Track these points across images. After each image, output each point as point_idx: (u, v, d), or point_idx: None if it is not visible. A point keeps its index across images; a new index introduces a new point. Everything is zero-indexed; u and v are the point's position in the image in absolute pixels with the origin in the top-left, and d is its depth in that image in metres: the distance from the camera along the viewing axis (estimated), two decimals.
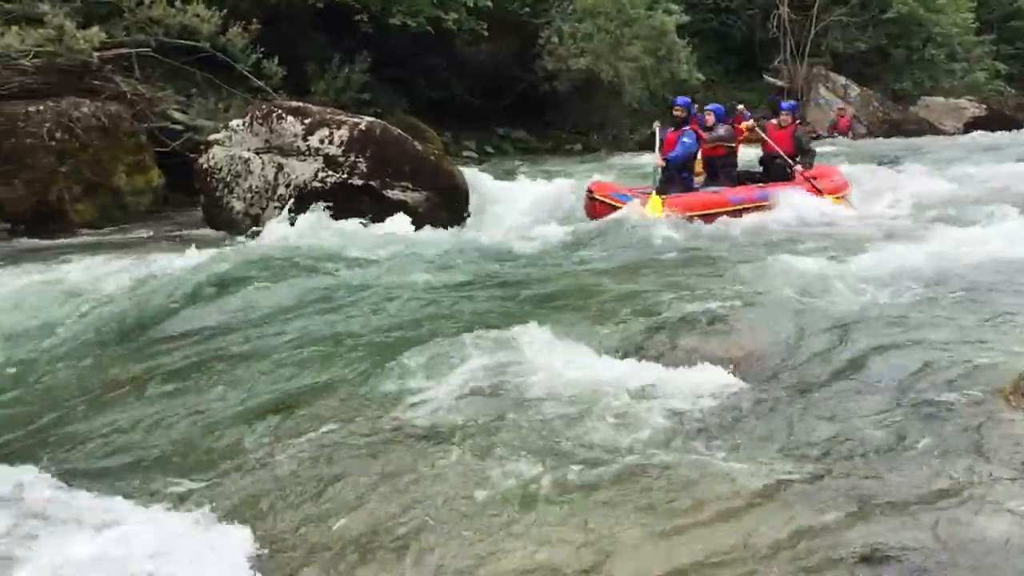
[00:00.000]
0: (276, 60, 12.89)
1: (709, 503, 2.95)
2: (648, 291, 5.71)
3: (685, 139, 9.73)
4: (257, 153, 9.61)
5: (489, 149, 19.45)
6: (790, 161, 10.21)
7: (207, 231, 9.49)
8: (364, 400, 3.85)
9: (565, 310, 5.35)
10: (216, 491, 3.19)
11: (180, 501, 3.10)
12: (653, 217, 8.54)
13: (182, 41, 11.90)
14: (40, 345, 5.11)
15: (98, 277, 6.23)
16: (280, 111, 9.73)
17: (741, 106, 24.21)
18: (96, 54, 10.60)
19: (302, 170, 9.38)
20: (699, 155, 10.01)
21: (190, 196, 10.27)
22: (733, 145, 10.26)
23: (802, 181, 9.91)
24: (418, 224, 8.97)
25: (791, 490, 3.02)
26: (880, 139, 22.08)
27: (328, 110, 10.20)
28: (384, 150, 9.44)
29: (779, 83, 26.73)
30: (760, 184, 10.05)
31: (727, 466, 3.20)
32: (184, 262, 6.69)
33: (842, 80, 26.01)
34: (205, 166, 9.77)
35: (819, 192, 9.66)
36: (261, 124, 9.63)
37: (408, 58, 17.50)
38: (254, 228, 9.32)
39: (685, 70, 20.88)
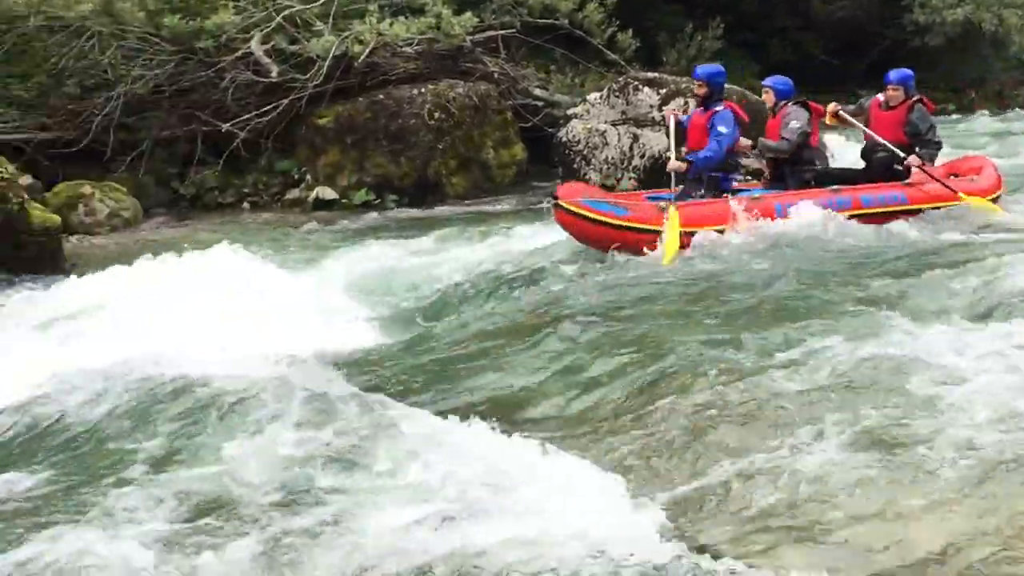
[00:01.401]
0: (629, 32, 13.07)
1: None
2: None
3: (721, 127, 6.81)
4: (613, 125, 9.87)
5: None
6: (898, 153, 7.27)
7: None
8: (750, 369, 3.81)
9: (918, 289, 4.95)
10: (601, 443, 3.37)
11: (568, 448, 3.31)
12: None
13: (542, 20, 12.47)
14: (431, 300, 5.76)
15: (477, 243, 6.78)
16: (636, 82, 9.92)
17: None
18: (468, 38, 11.45)
19: (656, 140, 9.49)
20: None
21: (549, 168, 10.79)
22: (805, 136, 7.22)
23: (922, 178, 7.10)
24: None
25: None
26: None
27: (683, 79, 10.19)
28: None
29: None
30: (835, 188, 6.89)
31: None
32: (549, 232, 7.04)
33: None
34: (564, 139, 10.22)
35: (954, 193, 6.98)
36: (617, 96, 9.88)
37: (760, 20, 16.96)
38: None
39: None
